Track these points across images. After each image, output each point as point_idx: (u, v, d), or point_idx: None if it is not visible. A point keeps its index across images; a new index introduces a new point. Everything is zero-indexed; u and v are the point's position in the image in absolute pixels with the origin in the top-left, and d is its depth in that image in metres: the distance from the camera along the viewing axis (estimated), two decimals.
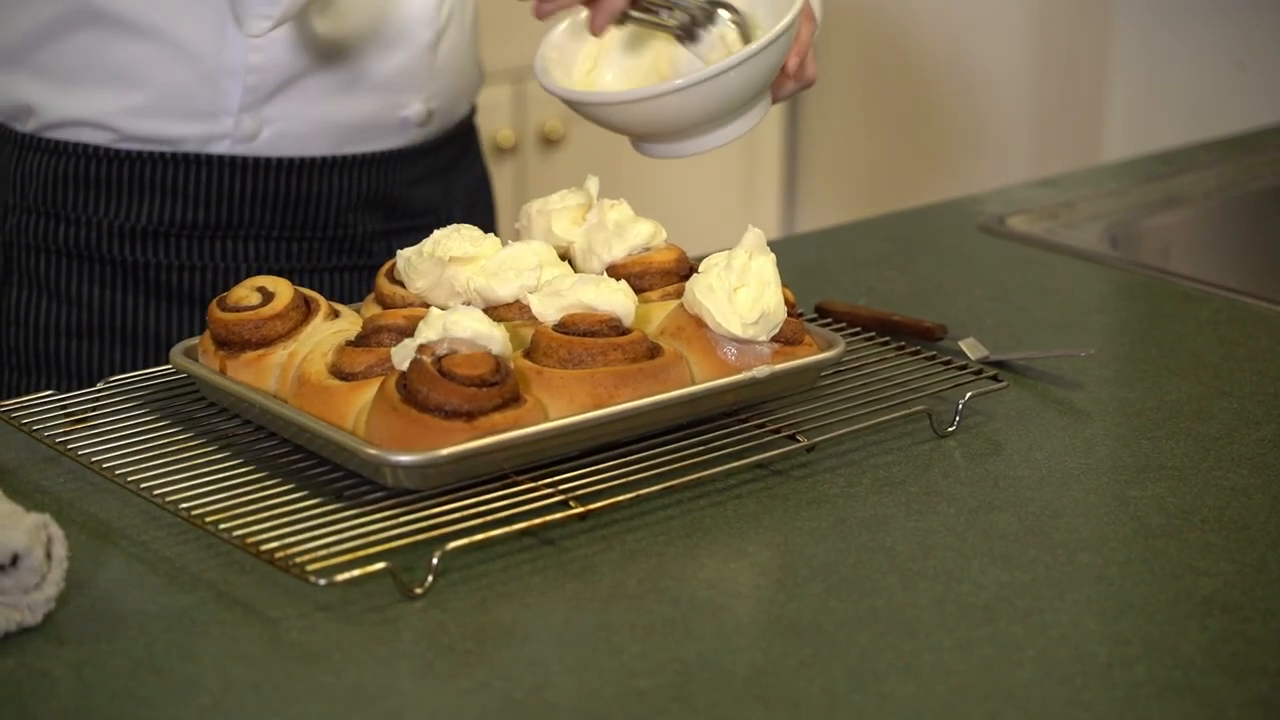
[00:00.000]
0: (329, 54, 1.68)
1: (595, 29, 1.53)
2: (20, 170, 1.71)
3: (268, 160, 1.69)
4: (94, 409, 1.40)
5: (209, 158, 1.68)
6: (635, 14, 1.54)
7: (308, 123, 1.69)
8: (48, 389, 1.69)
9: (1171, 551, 1.25)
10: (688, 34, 1.55)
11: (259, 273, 1.71)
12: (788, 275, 1.40)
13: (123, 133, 1.68)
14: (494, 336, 1.28)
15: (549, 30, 1.60)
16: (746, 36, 1.55)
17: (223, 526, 1.21)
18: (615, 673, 1.11)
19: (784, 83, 1.57)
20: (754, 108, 1.54)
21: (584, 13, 1.57)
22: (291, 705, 1.08)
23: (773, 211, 3.60)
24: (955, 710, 1.08)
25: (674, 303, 1.41)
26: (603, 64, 1.61)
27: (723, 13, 1.54)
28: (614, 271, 1.44)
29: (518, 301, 1.39)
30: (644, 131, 1.55)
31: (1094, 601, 1.20)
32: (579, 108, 1.53)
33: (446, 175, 1.83)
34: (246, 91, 1.66)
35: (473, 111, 1.87)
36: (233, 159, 1.68)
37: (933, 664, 1.12)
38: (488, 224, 1.90)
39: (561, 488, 1.27)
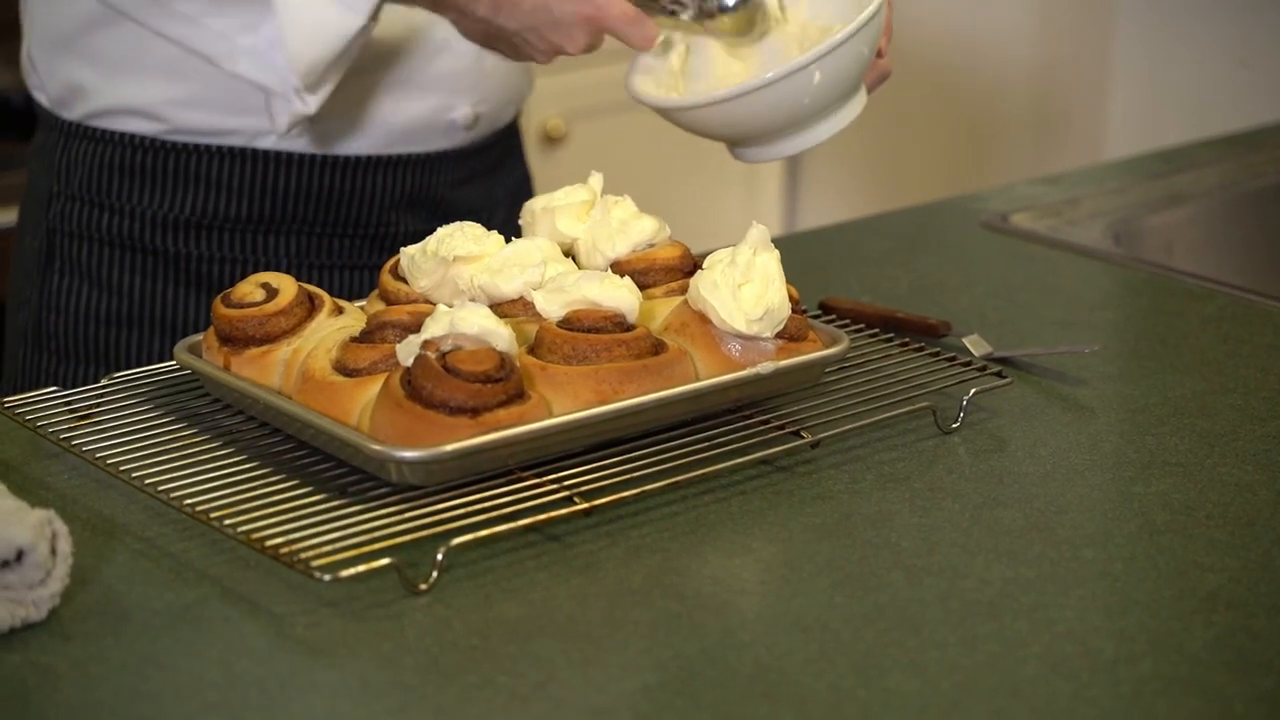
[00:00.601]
0: (379, 56, 1.68)
1: (641, 43, 1.51)
2: (65, 158, 1.72)
3: (313, 157, 1.70)
4: (98, 405, 1.40)
5: (255, 152, 1.69)
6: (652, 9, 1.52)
7: (355, 122, 1.70)
8: (86, 376, 1.70)
9: (1176, 547, 1.25)
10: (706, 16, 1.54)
11: (300, 267, 1.72)
12: (791, 272, 1.40)
13: (171, 123, 1.68)
14: (501, 334, 1.27)
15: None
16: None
17: (227, 522, 1.21)
18: (620, 668, 1.11)
19: (874, 68, 1.53)
20: (853, 98, 1.50)
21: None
22: (296, 700, 1.08)
23: (774, 208, 3.60)
24: (960, 706, 1.08)
25: (678, 299, 1.41)
26: (690, 76, 1.59)
27: None
28: (618, 268, 1.44)
29: (521, 298, 1.39)
30: (740, 133, 1.52)
31: (1099, 597, 1.20)
32: (671, 115, 1.50)
33: (490, 177, 1.84)
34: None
35: (518, 114, 1.87)
36: (278, 154, 1.69)
37: (938, 660, 1.12)
38: None
39: (566, 484, 1.27)
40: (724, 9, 1.54)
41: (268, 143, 1.69)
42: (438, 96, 1.73)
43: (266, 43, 1.61)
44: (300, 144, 1.70)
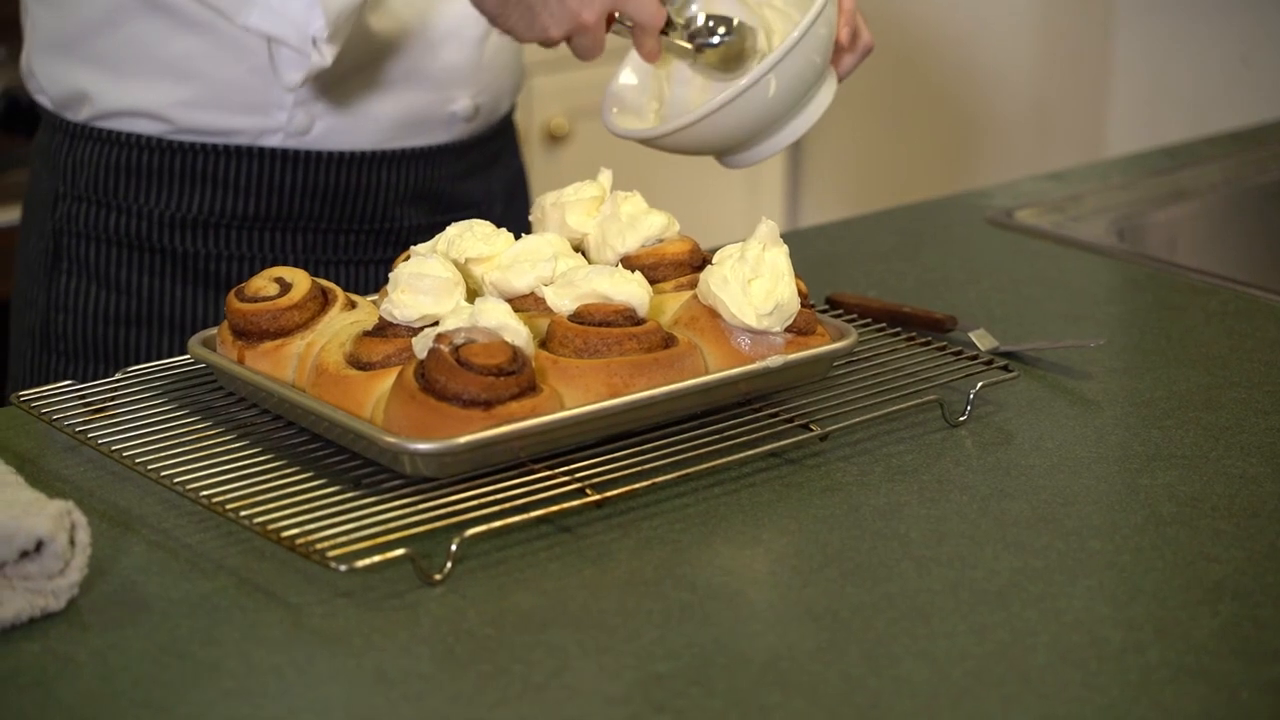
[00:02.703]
0: (381, 50, 1.70)
1: (648, 56, 1.55)
2: (71, 159, 1.73)
3: (318, 154, 1.71)
4: (113, 398, 1.41)
5: (261, 150, 1.70)
6: (668, 37, 1.57)
7: (359, 117, 1.71)
8: (96, 376, 1.71)
9: (1182, 539, 1.27)
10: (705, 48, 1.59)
11: (308, 263, 1.73)
12: (797, 268, 1.41)
13: (177, 124, 1.70)
14: (520, 332, 1.29)
15: (609, 83, 1.65)
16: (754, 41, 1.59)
17: (243, 514, 1.22)
18: (634, 657, 1.12)
19: (841, 57, 1.59)
20: (821, 89, 1.57)
21: (634, 55, 1.62)
22: (313, 689, 1.09)
23: (776, 205, 3.61)
24: (971, 694, 1.09)
25: (687, 294, 1.42)
26: (668, 101, 1.65)
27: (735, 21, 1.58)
28: (628, 263, 1.45)
29: (533, 293, 1.40)
30: (724, 145, 1.58)
31: (1106, 587, 1.21)
32: (656, 143, 1.57)
33: (489, 170, 1.85)
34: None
35: (513, 107, 1.89)
36: (284, 152, 1.70)
37: (948, 648, 1.13)
38: (524, 216, 1.92)
39: (578, 476, 1.28)
40: (709, 45, 1.58)
41: (273, 141, 1.71)
42: (438, 89, 1.75)
43: None
44: (305, 141, 1.71)
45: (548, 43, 1.52)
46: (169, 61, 1.69)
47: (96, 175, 1.72)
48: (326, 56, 1.59)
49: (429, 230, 1.78)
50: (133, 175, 1.72)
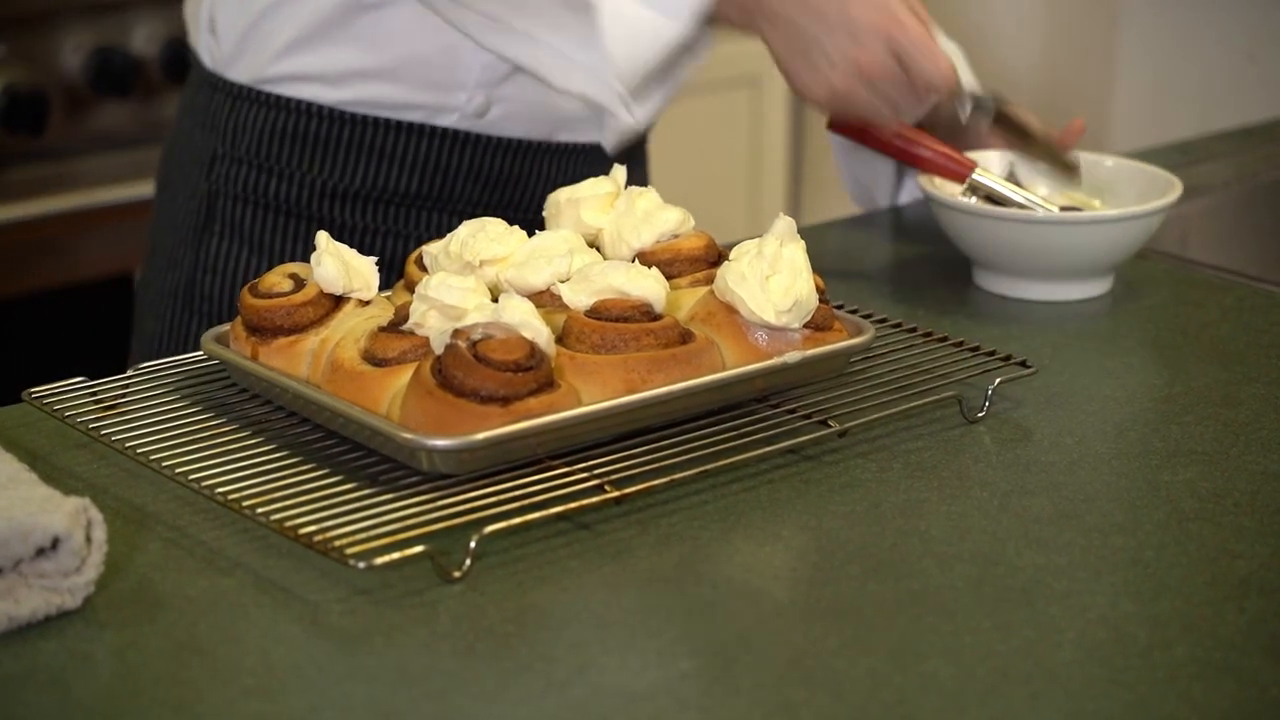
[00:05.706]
0: None
1: (933, 78, 1.67)
2: (233, 120, 1.72)
3: (489, 139, 1.73)
4: (125, 395, 1.40)
5: (433, 129, 1.70)
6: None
7: (533, 106, 1.72)
8: None
9: (1205, 535, 1.26)
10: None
11: None
12: (812, 262, 1.40)
13: (351, 93, 1.69)
14: (541, 330, 1.27)
15: None
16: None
17: (260, 510, 1.21)
18: (657, 654, 1.11)
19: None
20: (1089, 280, 1.71)
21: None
22: (334, 686, 1.08)
23: (778, 204, 3.60)
24: (997, 691, 1.08)
25: (703, 289, 1.41)
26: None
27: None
28: (643, 258, 1.44)
29: (548, 290, 1.39)
30: (996, 259, 1.69)
31: (1130, 584, 1.20)
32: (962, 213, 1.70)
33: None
34: (485, 68, 1.68)
35: None
36: (456, 133, 1.71)
37: (973, 645, 1.12)
38: None
39: (596, 472, 1.27)
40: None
41: (447, 121, 1.71)
42: None
43: (602, 58, 1.62)
44: (478, 125, 1.71)
45: (833, 98, 1.63)
46: (360, 28, 1.67)
47: (260, 139, 1.71)
48: (638, 117, 1.64)
49: None
50: (298, 142, 1.70)
